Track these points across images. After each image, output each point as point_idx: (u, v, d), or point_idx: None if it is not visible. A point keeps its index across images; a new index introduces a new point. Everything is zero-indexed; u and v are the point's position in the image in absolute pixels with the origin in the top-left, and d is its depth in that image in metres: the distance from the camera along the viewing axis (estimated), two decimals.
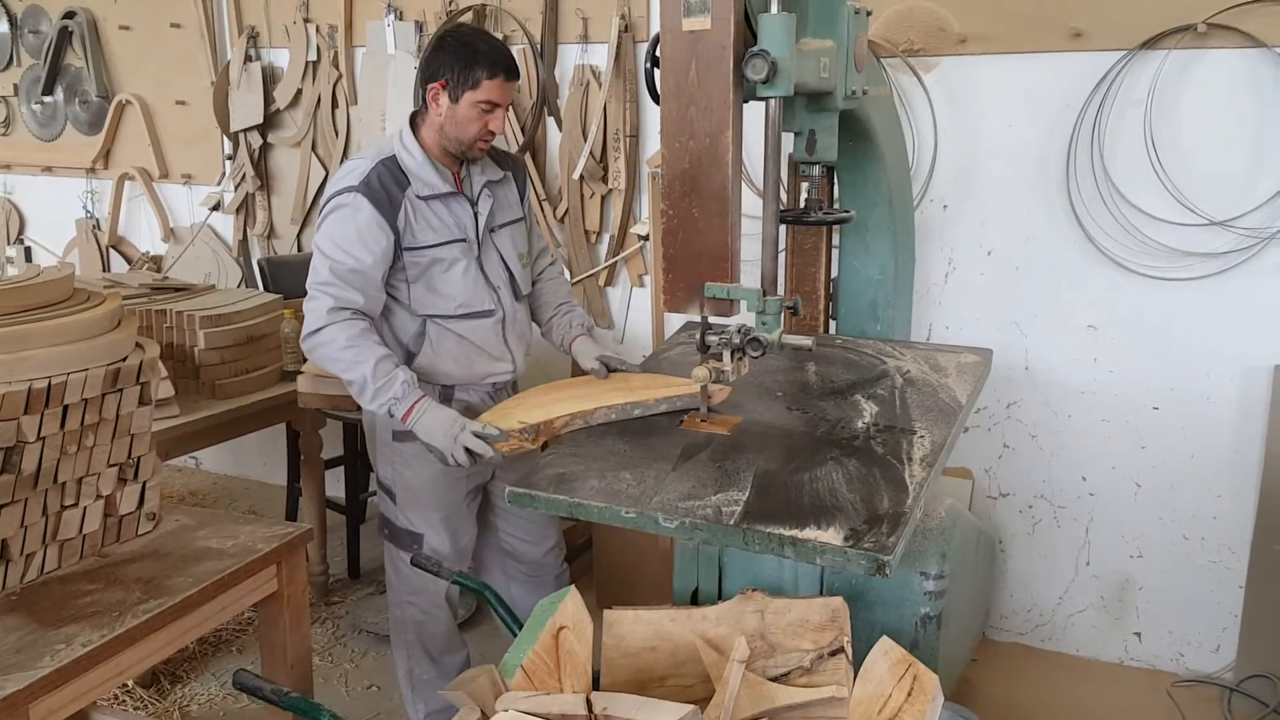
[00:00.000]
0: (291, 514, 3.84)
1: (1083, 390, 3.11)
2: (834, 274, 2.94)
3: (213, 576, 2.06)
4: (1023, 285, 3.13)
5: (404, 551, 2.55)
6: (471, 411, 2.44)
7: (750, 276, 2.30)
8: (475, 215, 2.48)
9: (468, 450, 2.27)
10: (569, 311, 2.70)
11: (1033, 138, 3.03)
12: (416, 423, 2.32)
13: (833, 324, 2.96)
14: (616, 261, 3.68)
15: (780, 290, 2.32)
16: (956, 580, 2.58)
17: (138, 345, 2.32)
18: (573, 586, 2.15)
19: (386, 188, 2.36)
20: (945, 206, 3.18)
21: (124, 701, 2.94)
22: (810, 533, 1.90)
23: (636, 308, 3.72)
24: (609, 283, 3.75)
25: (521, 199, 2.66)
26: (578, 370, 3.43)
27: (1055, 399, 3.15)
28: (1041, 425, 3.19)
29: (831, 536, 1.88)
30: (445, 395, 2.50)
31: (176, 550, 2.18)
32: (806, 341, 2.22)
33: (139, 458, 2.23)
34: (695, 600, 2.46)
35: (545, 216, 3.71)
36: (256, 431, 3.46)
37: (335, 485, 3.82)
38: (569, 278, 3.03)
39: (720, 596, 2.43)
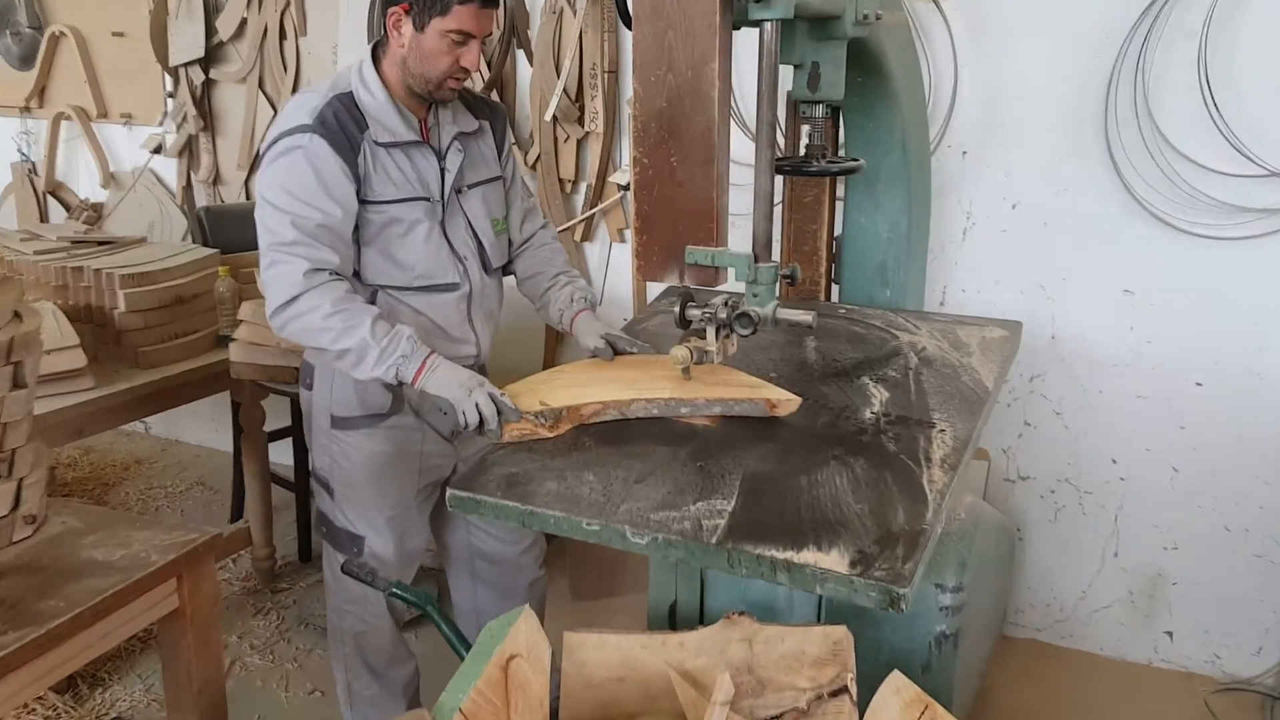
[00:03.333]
0: (240, 488, 3.50)
1: (1116, 363, 2.76)
2: (837, 232, 2.57)
3: (91, 599, 1.72)
4: (1051, 243, 2.76)
5: (341, 554, 2.21)
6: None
7: (740, 238, 1.93)
8: (442, 171, 2.11)
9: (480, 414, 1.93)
10: (569, 283, 2.30)
11: (1066, 75, 2.65)
12: (428, 380, 1.97)
13: (835, 289, 2.59)
14: (594, 214, 3.30)
15: (775, 254, 1.95)
16: (976, 589, 2.24)
17: (15, 316, 1.95)
18: (526, 607, 1.82)
19: (344, 126, 1.99)
20: (965, 153, 2.80)
21: (34, 711, 2.62)
22: (809, 555, 1.57)
23: (617, 266, 3.35)
24: (586, 238, 3.37)
25: (500, 154, 2.28)
26: (551, 350, 3.05)
27: (1084, 372, 2.80)
28: (1068, 401, 2.84)
29: (835, 561, 1.55)
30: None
31: (55, 563, 1.84)
32: (806, 317, 1.86)
33: (14, 450, 1.88)
34: (673, 616, 2.12)
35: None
36: (192, 405, 3.11)
37: (286, 453, 3.46)
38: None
39: (701, 614, 2.10)
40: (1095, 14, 2.57)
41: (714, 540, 1.62)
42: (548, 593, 2.60)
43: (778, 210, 2.37)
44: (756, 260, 1.85)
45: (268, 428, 3.26)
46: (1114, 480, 2.85)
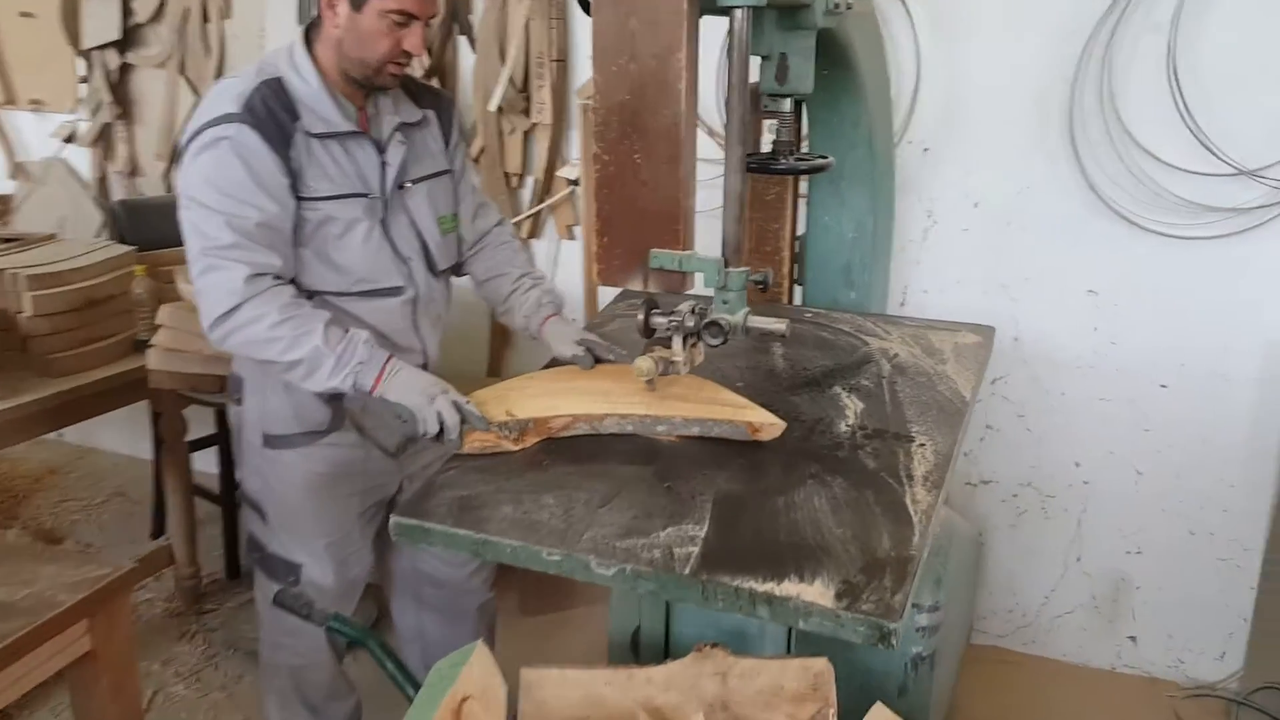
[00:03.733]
0: (162, 501, 3.28)
1: (1079, 364, 2.70)
2: (800, 231, 2.46)
3: None
4: (1014, 243, 2.69)
5: (276, 583, 2.04)
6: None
7: (705, 240, 1.81)
8: (382, 165, 1.94)
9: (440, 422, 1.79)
10: (534, 285, 2.14)
11: (1031, 70, 2.56)
12: (388, 387, 1.82)
13: (798, 291, 2.48)
14: (542, 210, 3.15)
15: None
16: (950, 605, 2.15)
17: None
18: (480, 642, 1.68)
19: (274, 115, 1.81)
20: (926, 150, 2.71)
21: None
22: (791, 586, 1.46)
23: (565, 264, 3.21)
24: (533, 234, 3.22)
25: (447, 146, 2.11)
26: (497, 351, 2.90)
27: (1047, 374, 2.73)
28: (1031, 404, 2.77)
29: (819, 593, 1.44)
30: (335, 395, 1.96)
31: None
32: (779, 326, 1.74)
33: None
34: (635, 644, 2.00)
35: None
36: (108, 413, 2.89)
37: (211, 462, 3.25)
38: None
39: (667, 640, 1.97)
40: (1061, 7, 2.49)
41: (687, 571, 1.50)
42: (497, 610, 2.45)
43: None
44: (726, 265, 1.73)
45: (190, 436, 3.05)
46: (1077, 484, 2.79)
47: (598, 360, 1.96)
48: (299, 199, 1.85)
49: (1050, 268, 2.67)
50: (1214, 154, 2.42)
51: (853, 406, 1.90)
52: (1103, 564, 2.82)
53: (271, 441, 1.97)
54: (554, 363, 2.04)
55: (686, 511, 1.63)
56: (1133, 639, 2.84)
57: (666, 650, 1.90)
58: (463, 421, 1.79)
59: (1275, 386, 2.53)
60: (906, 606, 1.42)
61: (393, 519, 1.66)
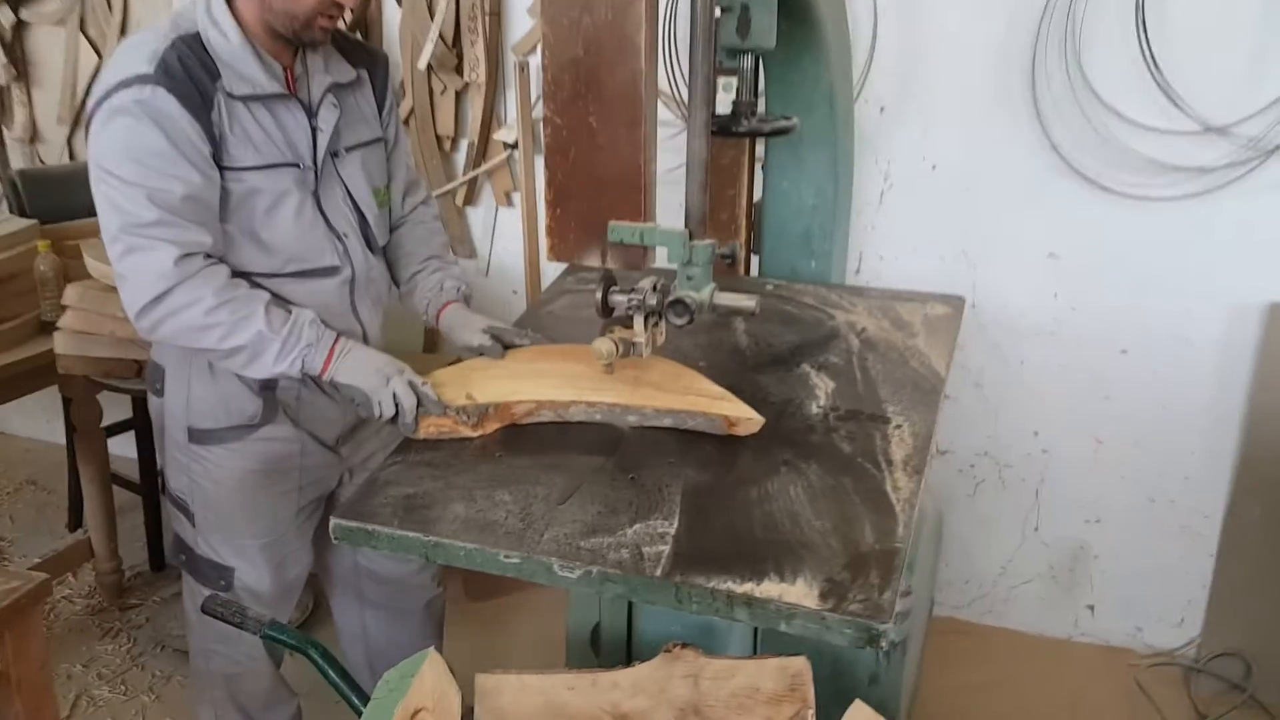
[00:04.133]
0: (78, 490, 3.07)
1: (1039, 331, 2.63)
2: (757, 197, 2.34)
3: None
4: (972, 205, 2.60)
5: (205, 587, 1.88)
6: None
7: (665, 210, 1.68)
8: (313, 130, 1.76)
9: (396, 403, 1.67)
10: (440, 269, 1.99)
11: (992, 24, 2.46)
12: (339, 368, 1.70)
13: (754, 261, 2.36)
14: (478, 175, 2.98)
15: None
16: (920, 588, 2.08)
17: None
18: (433, 650, 1.56)
19: (192, 75, 1.61)
20: (882, 109, 2.60)
21: None
22: (771, 587, 1.36)
23: (504, 233, 3.05)
24: (469, 201, 3.05)
25: (381, 110, 1.93)
26: (433, 330, 2.73)
27: (1006, 341, 2.66)
28: (988, 372, 2.70)
29: (802, 593, 1.34)
30: (265, 382, 1.80)
31: None
32: (749, 303, 1.62)
33: None
34: (596, 641, 1.88)
35: None
36: (13, 400, 2.68)
37: (129, 447, 3.05)
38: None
39: (630, 637, 1.86)
40: None
41: (658, 572, 1.38)
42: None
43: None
44: (691, 237, 1.60)
45: (107, 421, 2.85)
46: (1035, 453, 2.73)
47: (507, 347, 1.82)
48: (221, 169, 1.67)
49: (1010, 231, 2.59)
50: (1181, 110, 2.35)
51: (823, 386, 1.80)
52: (1061, 533, 2.77)
53: (197, 436, 1.81)
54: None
55: (654, 505, 1.51)
56: (1090, 608, 2.81)
57: (629, 648, 1.80)
58: (419, 405, 1.66)
59: (1237, 351, 2.49)
60: (895, 604, 1.33)
61: (333, 521, 1.53)
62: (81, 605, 2.92)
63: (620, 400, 1.66)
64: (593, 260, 1.63)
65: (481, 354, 1.83)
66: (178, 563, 1.96)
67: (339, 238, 1.81)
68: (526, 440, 1.70)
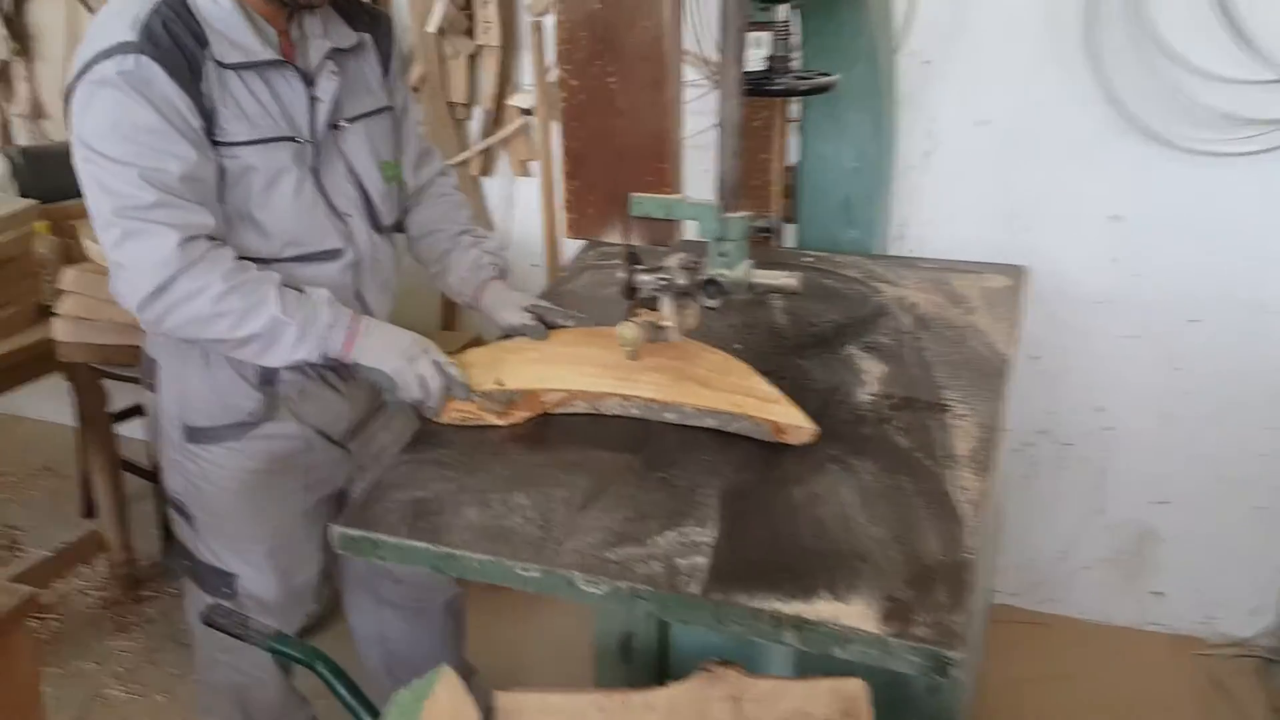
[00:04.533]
0: (90, 478, 2.95)
1: (1100, 299, 2.44)
2: (791, 162, 2.15)
3: None
4: (1025, 165, 2.40)
5: (209, 594, 1.76)
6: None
7: (693, 179, 1.51)
8: (312, 101, 1.60)
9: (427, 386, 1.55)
10: (475, 244, 1.84)
11: None
12: (361, 350, 1.57)
13: (789, 230, 2.18)
14: (493, 144, 2.81)
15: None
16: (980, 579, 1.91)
17: None
18: (445, 667, 1.43)
19: (179, 42, 1.46)
20: (926, 62, 2.40)
21: None
22: (824, 606, 1.20)
23: (522, 204, 2.88)
24: (485, 172, 2.88)
25: (387, 76, 1.77)
26: (451, 311, 2.58)
27: (1064, 311, 2.47)
28: (1046, 344, 2.50)
29: (859, 613, 1.18)
30: (265, 376, 1.66)
31: None
32: (790, 281, 1.45)
33: None
34: (627, 651, 1.73)
35: None
36: (18, 388, 2.57)
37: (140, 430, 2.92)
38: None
39: (664, 648, 1.71)
40: None
41: (695, 588, 1.23)
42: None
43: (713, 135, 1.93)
44: (725, 209, 1.43)
45: (116, 406, 2.73)
46: (1098, 430, 2.55)
47: (550, 327, 1.67)
48: (213, 144, 1.52)
49: (1067, 193, 2.39)
50: (1256, 57, 2.13)
51: (872, 370, 1.63)
52: (1125, 515, 2.59)
53: (194, 435, 1.67)
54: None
55: (687, 510, 1.36)
56: (1158, 594, 2.63)
57: (663, 660, 1.65)
58: (446, 388, 1.55)
59: None
60: (968, 627, 1.17)
61: (334, 530, 1.39)
62: (95, 598, 2.81)
63: (659, 395, 1.50)
64: (614, 237, 1.47)
65: (523, 335, 1.68)
66: (179, 568, 1.83)
67: (341, 218, 1.65)
68: (546, 434, 1.55)
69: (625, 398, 1.52)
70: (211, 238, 1.51)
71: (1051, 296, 2.46)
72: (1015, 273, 1.95)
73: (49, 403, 3.76)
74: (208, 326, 1.50)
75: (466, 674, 2.17)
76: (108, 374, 2.53)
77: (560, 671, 2.44)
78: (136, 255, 1.46)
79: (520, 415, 1.57)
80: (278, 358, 1.54)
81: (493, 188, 2.92)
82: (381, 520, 1.37)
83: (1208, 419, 2.44)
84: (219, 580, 1.75)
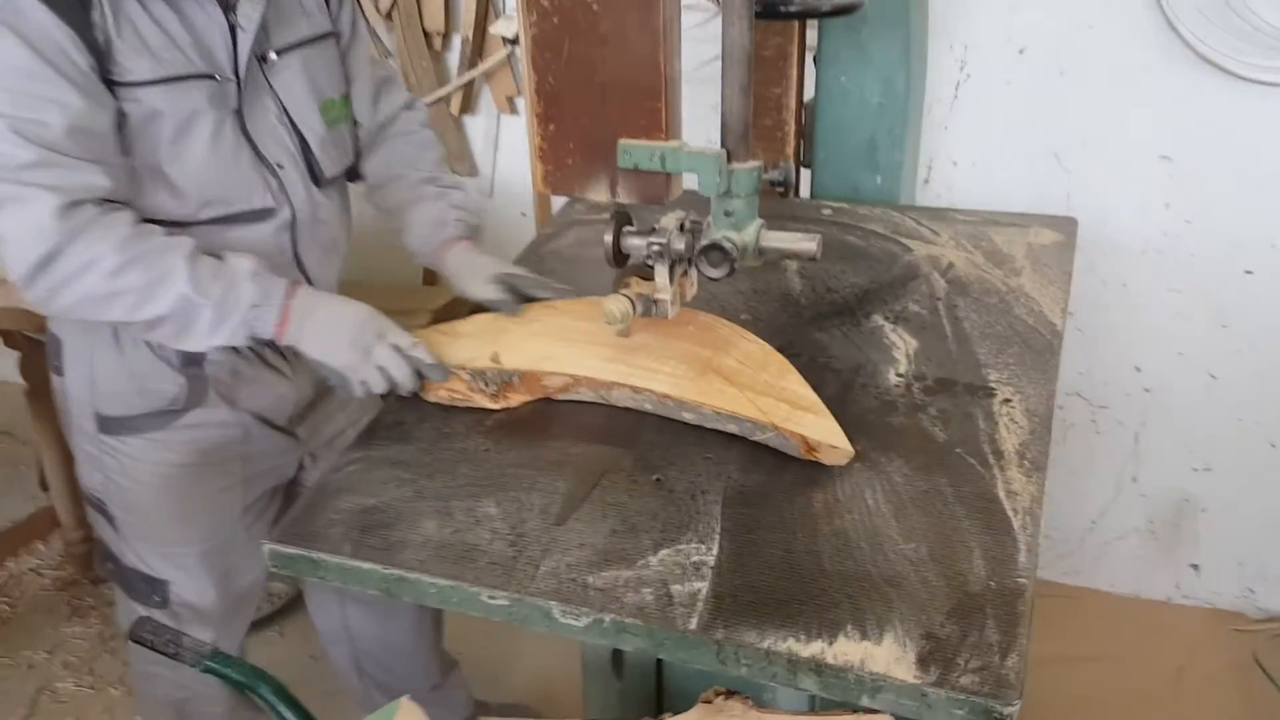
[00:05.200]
0: None
1: (1146, 249, 2.20)
2: (807, 97, 1.90)
3: None
4: (1068, 98, 2.14)
5: (138, 602, 1.55)
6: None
7: (692, 123, 1.27)
8: (232, 29, 1.34)
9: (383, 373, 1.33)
10: (440, 195, 1.58)
11: None
12: (300, 335, 1.33)
13: (804, 177, 1.93)
14: (474, 78, 2.55)
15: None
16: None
17: None
18: (406, 699, 1.22)
19: None
20: None
21: None
22: (849, 646, 1.00)
23: (509, 145, 2.62)
24: (466, 109, 2.62)
25: None
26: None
27: (1106, 261, 2.23)
28: (1084, 298, 2.27)
29: (892, 655, 0.99)
30: (189, 356, 1.42)
31: None
32: (809, 246, 1.22)
33: None
34: (618, 663, 1.53)
35: (365, 16, 2.51)
36: None
37: None
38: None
39: (660, 666, 1.50)
40: None
41: (694, 623, 1.03)
42: None
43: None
44: (730, 158, 1.19)
45: None
46: (1136, 392, 2.33)
47: (526, 300, 1.44)
48: (110, 85, 1.27)
49: (1114, 129, 2.13)
50: None
51: (902, 345, 1.40)
52: (1163, 483, 2.39)
53: (108, 425, 1.44)
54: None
55: (687, 520, 1.15)
56: (1195, 567, 2.43)
57: (659, 675, 1.45)
58: (419, 376, 1.34)
59: None
60: (1025, 672, 0.96)
61: (268, 547, 1.18)
62: (51, 579, 2.62)
63: (674, 392, 1.26)
64: (598, 193, 1.23)
65: (493, 308, 1.45)
66: (104, 572, 1.62)
67: (272, 170, 1.40)
68: (521, 426, 1.33)
69: (637, 390, 1.28)
70: (107, 201, 1.27)
71: (1090, 245, 2.21)
72: (1066, 226, 1.71)
73: (6, 360, 3.54)
74: (105, 307, 1.26)
75: (446, 668, 1.98)
76: (39, 340, 2.30)
77: (549, 662, 2.25)
78: (13, 225, 1.22)
79: (517, 398, 1.36)
80: (195, 342, 1.31)
81: (476, 127, 2.66)
82: (323, 535, 1.16)
83: (1257, 380, 2.22)
84: (148, 588, 1.54)
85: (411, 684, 1.91)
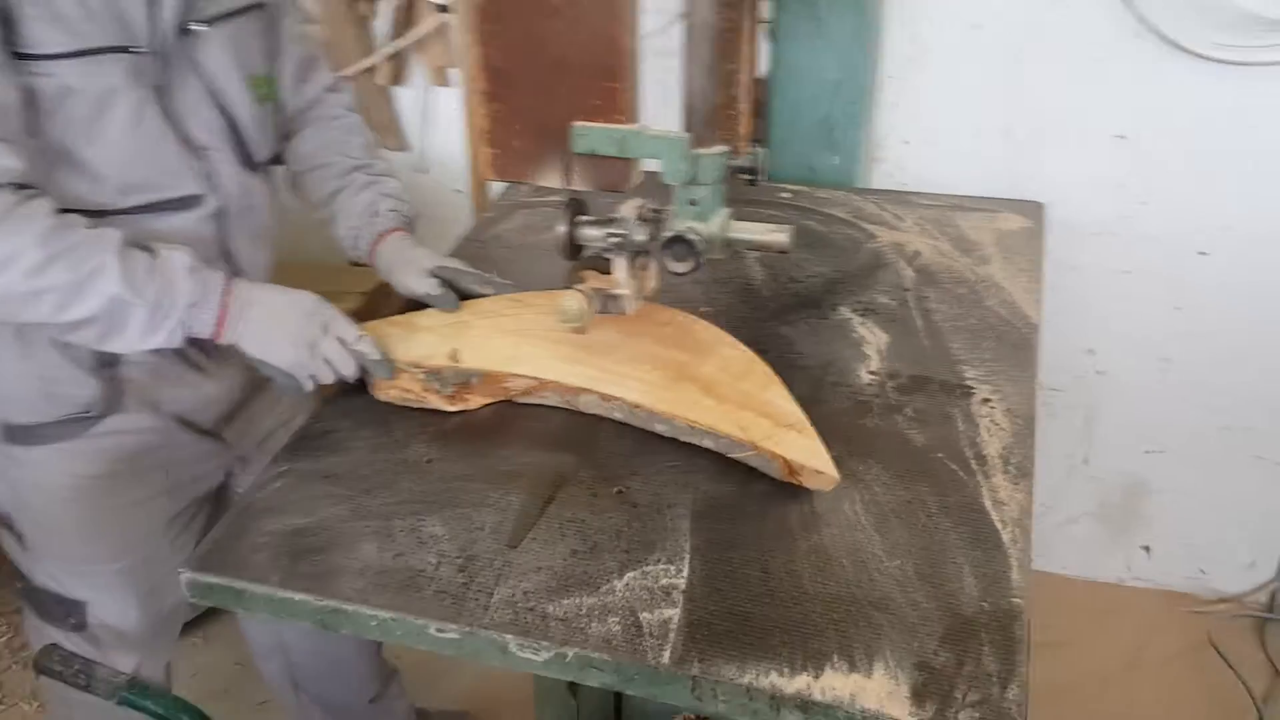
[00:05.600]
0: None
1: (1100, 230, 2.15)
2: (762, 73, 1.80)
3: None
4: (1024, 75, 2.07)
5: (51, 625, 1.42)
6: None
7: (650, 103, 1.17)
8: None
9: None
10: (370, 184, 1.46)
11: None
12: (240, 332, 1.21)
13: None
14: (404, 47, 2.40)
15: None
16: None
17: None
18: None
19: None
20: None
21: None
22: (837, 679, 0.93)
23: (442, 118, 2.48)
24: (395, 80, 2.47)
25: None
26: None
27: (1059, 242, 2.15)
28: None
29: (884, 690, 0.91)
30: (103, 357, 1.29)
31: None
32: (780, 238, 1.13)
33: None
34: (574, 685, 1.44)
35: None
36: None
37: None
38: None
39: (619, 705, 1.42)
40: None
41: (666, 656, 0.94)
42: None
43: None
44: (697, 142, 1.09)
45: None
46: (1089, 375, 2.29)
47: (464, 296, 1.34)
48: (16, 59, 1.12)
49: (1069, 107, 2.07)
50: None
51: (873, 339, 1.32)
52: (1115, 465, 2.36)
53: (13, 434, 1.30)
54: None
55: (653, 538, 1.06)
56: (1146, 549, 2.42)
57: (618, 695, 1.37)
58: (363, 370, 1.24)
59: None
60: (1027, 704, 0.90)
61: (186, 576, 1.06)
62: None
63: (646, 401, 1.16)
64: (551, 179, 1.13)
65: (429, 303, 1.34)
66: (13, 591, 1.48)
67: (198, 153, 1.27)
68: (468, 430, 1.23)
69: (606, 397, 1.18)
70: (21, 187, 1.13)
71: (1048, 226, 2.18)
72: (1033, 211, 1.65)
73: None
74: (24, 307, 1.13)
75: (386, 677, 1.87)
76: None
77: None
78: None
79: (476, 400, 1.25)
80: (124, 344, 1.18)
81: (405, 99, 2.51)
82: (247, 562, 1.05)
83: (1211, 364, 2.19)
84: (63, 609, 1.40)
85: (349, 698, 1.80)
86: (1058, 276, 2.20)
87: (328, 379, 1.23)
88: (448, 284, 1.33)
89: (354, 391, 1.29)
